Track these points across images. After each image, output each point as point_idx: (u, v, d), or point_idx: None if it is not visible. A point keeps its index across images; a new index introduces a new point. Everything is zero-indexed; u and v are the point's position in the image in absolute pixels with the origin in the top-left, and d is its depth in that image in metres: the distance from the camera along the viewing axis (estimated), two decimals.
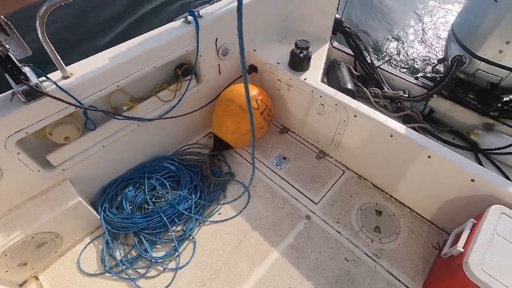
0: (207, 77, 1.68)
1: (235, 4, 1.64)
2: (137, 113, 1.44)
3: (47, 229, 1.25)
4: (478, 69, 1.50)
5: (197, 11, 1.50)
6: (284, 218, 1.53)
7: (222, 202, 1.59)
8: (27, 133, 1.12)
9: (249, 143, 1.82)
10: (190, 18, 1.48)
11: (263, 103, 1.67)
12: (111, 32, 3.11)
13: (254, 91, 1.67)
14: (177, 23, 1.47)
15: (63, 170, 1.32)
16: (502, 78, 1.45)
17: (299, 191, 1.64)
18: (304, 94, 1.66)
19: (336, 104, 1.53)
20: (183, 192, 1.55)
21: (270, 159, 1.79)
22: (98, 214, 1.44)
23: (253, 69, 1.83)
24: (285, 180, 1.69)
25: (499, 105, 1.58)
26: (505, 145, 1.48)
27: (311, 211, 1.56)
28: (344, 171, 1.74)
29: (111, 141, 1.43)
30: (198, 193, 1.58)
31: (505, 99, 1.60)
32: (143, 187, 1.57)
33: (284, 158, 1.80)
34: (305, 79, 1.62)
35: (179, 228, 1.48)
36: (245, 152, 1.82)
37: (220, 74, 1.75)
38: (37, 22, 1.02)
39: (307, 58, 1.63)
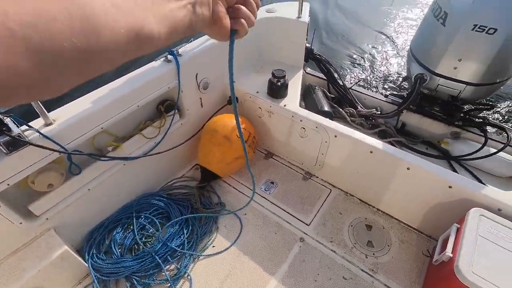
0: (190, 111, 1.72)
1: (212, 41, 1.73)
2: (122, 152, 1.43)
3: (32, 285, 1.17)
4: (439, 84, 1.65)
5: (176, 50, 1.57)
6: (279, 243, 1.53)
7: (215, 234, 1.57)
8: (8, 184, 1.08)
9: (235, 171, 1.84)
10: (170, 57, 1.54)
11: (247, 131, 1.72)
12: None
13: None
14: (157, 63, 1.52)
15: (47, 219, 1.26)
16: (460, 91, 1.61)
17: (290, 214, 1.66)
18: (285, 119, 1.73)
19: (316, 127, 1.61)
20: (174, 228, 1.52)
21: (258, 185, 1.81)
22: (86, 262, 1.37)
23: None
24: (275, 205, 1.71)
25: (461, 115, 1.73)
26: (473, 151, 1.61)
27: (305, 233, 1.57)
28: (331, 190, 1.79)
29: (97, 184, 1.40)
30: (190, 227, 1.55)
31: (466, 109, 1.76)
32: (131, 227, 1.53)
33: (272, 183, 1.83)
34: (284, 105, 1.70)
35: (173, 266, 1.43)
36: (233, 181, 1.83)
37: (202, 107, 1.79)
38: None
39: (285, 86, 1.73)
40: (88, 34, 0.31)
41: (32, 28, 0.27)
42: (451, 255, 1.11)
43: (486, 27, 1.40)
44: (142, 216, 1.57)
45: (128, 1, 0.37)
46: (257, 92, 1.79)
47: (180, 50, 1.59)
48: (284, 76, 1.69)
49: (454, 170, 1.68)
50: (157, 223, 1.55)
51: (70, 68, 0.31)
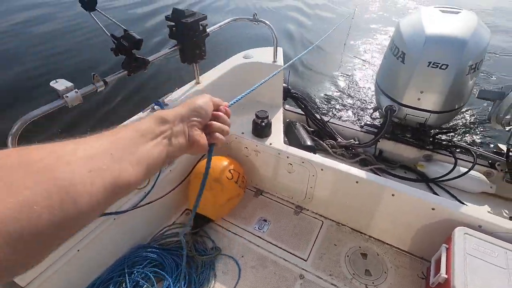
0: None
1: (198, 87, 1.82)
2: (111, 206, 1.40)
3: None
4: (407, 114, 1.82)
5: (162, 100, 1.62)
6: (280, 283, 1.51)
7: (213, 282, 1.52)
8: None
9: (228, 213, 1.84)
10: (156, 107, 1.58)
11: (236, 171, 1.76)
12: (83, 124, 3.11)
13: (224, 162, 1.76)
14: (144, 114, 1.56)
15: None
16: (426, 118, 1.78)
17: (286, 251, 1.66)
18: (272, 157, 1.80)
19: (302, 162, 1.69)
20: (170, 280, 1.47)
21: (251, 225, 1.81)
22: None
23: None
24: (271, 243, 1.70)
25: (430, 139, 1.90)
26: (446, 172, 1.75)
27: (303, 269, 1.57)
28: (322, 221, 1.83)
29: (86, 243, 1.34)
30: (187, 277, 1.50)
31: (433, 133, 1.94)
32: (124, 285, 1.45)
33: (265, 220, 1.84)
34: (270, 144, 1.78)
35: None
36: (226, 223, 1.82)
37: None
38: (9, 139, 1.02)
39: (268, 125, 1.82)
40: (66, 206, 0.32)
41: (13, 221, 0.27)
42: (446, 276, 1.16)
43: (439, 63, 1.61)
44: (135, 272, 1.50)
45: (104, 157, 0.39)
46: (243, 133, 1.86)
47: (166, 100, 1.64)
48: (267, 117, 1.78)
49: (433, 191, 1.81)
50: (152, 277, 1.48)
51: (47, 242, 0.31)
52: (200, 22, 1.59)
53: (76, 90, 1.13)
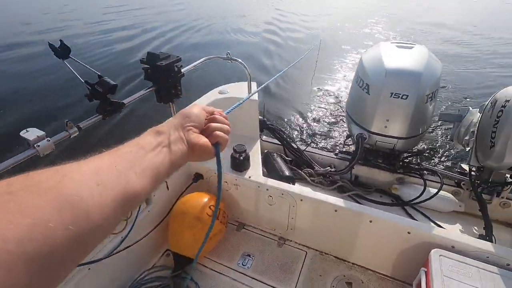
0: (156, 196, 1.71)
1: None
2: (86, 256, 1.33)
3: None
4: (377, 140, 1.93)
5: None
6: None
7: None
8: None
9: (210, 250, 1.80)
10: None
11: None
12: None
13: (204, 198, 1.75)
14: None
15: None
16: (394, 144, 1.89)
17: (273, 287, 1.63)
18: (252, 190, 1.81)
19: (282, 194, 1.71)
20: None
21: (235, 261, 1.77)
22: None
23: (199, 177, 1.95)
24: (256, 279, 1.67)
25: (400, 163, 2.00)
26: (418, 194, 1.84)
27: None
28: (306, 252, 1.83)
29: None
30: None
31: (403, 157, 2.06)
32: None
33: (248, 255, 1.81)
34: (249, 177, 1.80)
35: None
36: (209, 261, 1.77)
37: (168, 189, 1.80)
38: None
39: (246, 159, 1.85)
40: (79, 220, 0.33)
41: (30, 241, 0.28)
42: None
43: (400, 94, 1.75)
44: None
45: (109, 171, 0.41)
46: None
47: None
48: (245, 150, 1.82)
49: (408, 214, 1.88)
50: None
51: (65, 260, 0.31)
52: (175, 64, 1.65)
53: (48, 138, 1.11)
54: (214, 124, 0.62)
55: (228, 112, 0.74)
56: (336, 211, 1.60)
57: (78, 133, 1.24)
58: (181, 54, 1.77)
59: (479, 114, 1.96)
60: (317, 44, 3.42)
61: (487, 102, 1.71)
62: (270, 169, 2.13)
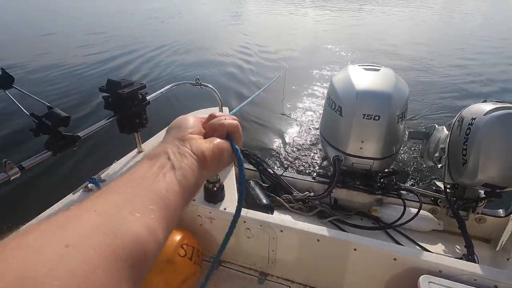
0: None
1: (140, 157, 1.68)
2: None
3: None
4: (353, 162, 1.90)
5: (98, 177, 1.45)
6: None
7: None
8: None
9: None
10: (91, 185, 1.40)
11: (190, 246, 1.58)
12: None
13: (176, 236, 1.58)
14: (75, 196, 1.36)
15: None
16: (371, 165, 1.88)
17: None
18: (228, 223, 1.64)
19: (261, 225, 1.59)
20: None
21: None
22: None
23: None
24: None
25: (378, 184, 1.98)
26: (399, 215, 1.81)
27: None
28: (289, 286, 1.69)
29: None
30: None
31: (380, 177, 2.04)
32: None
33: None
34: (224, 208, 1.66)
35: None
36: None
37: None
38: None
39: (221, 189, 1.72)
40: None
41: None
42: None
43: (372, 115, 1.76)
44: None
45: (87, 219, 0.29)
46: (194, 200, 1.72)
47: (103, 175, 1.47)
48: (219, 180, 1.70)
49: (391, 236, 1.83)
50: None
51: None
52: (139, 91, 1.53)
53: None
54: (214, 119, 0.50)
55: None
56: (318, 240, 1.50)
57: (20, 174, 1.06)
58: (147, 80, 1.68)
59: (446, 131, 2.02)
60: (283, 72, 3.48)
61: (454, 120, 1.76)
62: (247, 199, 2.01)
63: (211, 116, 0.51)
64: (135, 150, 1.72)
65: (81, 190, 1.37)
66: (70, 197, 1.35)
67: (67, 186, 1.32)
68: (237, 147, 0.49)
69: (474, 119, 1.54)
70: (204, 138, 0.48)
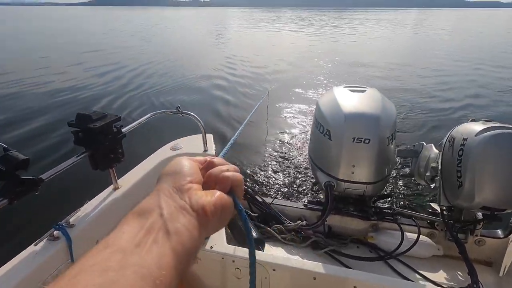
0: None
1: (117, 194, 1.53)
2: None
3: None
4: (345, 187, 1.81)
5: (65, 221, 1.29)
6: None
7: None
8: None
9: None
10: (56, 232, 1.23)
11: None
12: None
13: None
14: (39, 246, 1.19)
15: None
16: (364, 190, 1.79)
17: None
18: (216, 263, 1.52)
19: None
20: None
21: None
22: None
23: None
24: None
25: (373, 209, 1.89)
26: (399, 242, 1.71)
27: None
28: None
29: None
30: None
31: (374, 201, 1.96)
32: None
33: None
34: (211, 247, 1.52)
35: None
36: None
37: None
38: None
39: None
40: None
41: None
42: None
43: (362, 138, 1.69)
44: None
45: None
46: None
47: (72, 219, 1.31)
48: None
49: (390, 266, 1.72)
50: None
51: None
52: (114, 124, 1.41)
53: None
54: (216, 169, 0.45)
55: (224, 155, 0.61)
56: (315, 278, 1.37)
57: None
58: (124, 111, 1.56)
59: (435, 149, 1.98)
60: (265, 96, 3.47)
61: (445, 140, 1.72)
62: (235, 232, 1.87)
63: (210, 164, 0.47)
64: (111, 187, 1.57)
65: (45, 239, 1.20)
66: (31, 249, 1.17)
67: (28, 235, 1.15)
68: (241, 206, 0.46)
69: (466, 139, 1.50)
70: (203, 187, 0.43)
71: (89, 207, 1.40)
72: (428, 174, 1.96)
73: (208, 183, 0.44)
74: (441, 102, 7.45)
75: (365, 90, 2.01)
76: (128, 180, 1.65)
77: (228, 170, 0.46)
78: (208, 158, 0.49)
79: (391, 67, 11.63)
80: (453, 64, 12.29)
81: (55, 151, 4.36)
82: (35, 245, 1.18)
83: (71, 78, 9.13)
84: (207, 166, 0.46)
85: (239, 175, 0.46)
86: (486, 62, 12.76)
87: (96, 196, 1.49)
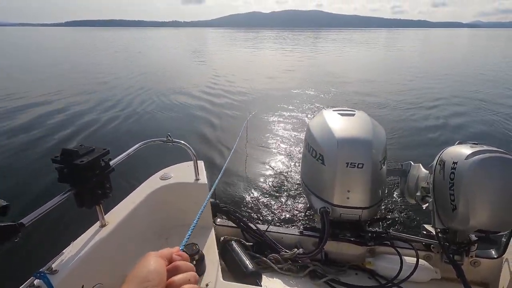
0: None
1: (104, 232, 1.43)
2: None
3: None
4: (341, 213, 1.79)
5: (48, 268, 1.17)
6: None
7: None
8: None
9: None
10: (38, 281, 1.12)
11: None
12: None
13: None
14: None
15: None
16: (360, 215, 1.78)
17: None
18: None
19: None
20: None
21: None
22: None
23: None
24: None
25: (369, 234, 1.87)
26: (398, 268, 1.68)
27: None
28: None
29: None
30: None
31: (370, 226, 1.94)
32: None
33: None
34: (206, 284, 1.43)
35: None
36: None
37: None
38: None
39: (201, 260, 1.50)
40: None
41: None
42: None
43: (355, 163, 1.70)
44: None
45: None
46: None
47: (55, 265, 1.20)
48: (198, 251, 1.48)
49: None
50: None
51: None
52: (102, 158, 1.34)
53: None
54: (178, 277, 0.50)
55: (185, 243, 0.64)
56: None
57: None
58: (110, 142, 1.48)
59: (423, 169, 2.02)
60: (247, 121, 3.46)
61: (435, 163, 1.75)
62: (229, 264, 1.79)
63: (175, 269, 0.51)
64: (97, 224, 1.46)
65: None
66: None
67: (7, 287, 1.02)
68: None
69: (456, 163, 1.54)
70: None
71: (74, 249, 1.29)
72: (418, 194, 1.99)
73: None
74: (422, 120, 7.68)
75: (354, 113, 2.05)
76: (117, 215, 1.55)
77: (189, 280, 0.51)
78: (173, 254, 0.54)
79: (372, 85, 12.05)
80: (426, 82, 12.94)
81: (37, 188, 3.98)
82: None
83: (49, 105, 8.64)
84: (172, 269, 0.51)
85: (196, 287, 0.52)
86: (459, 79, 13.55)
87: (81, 236, 1.38)
